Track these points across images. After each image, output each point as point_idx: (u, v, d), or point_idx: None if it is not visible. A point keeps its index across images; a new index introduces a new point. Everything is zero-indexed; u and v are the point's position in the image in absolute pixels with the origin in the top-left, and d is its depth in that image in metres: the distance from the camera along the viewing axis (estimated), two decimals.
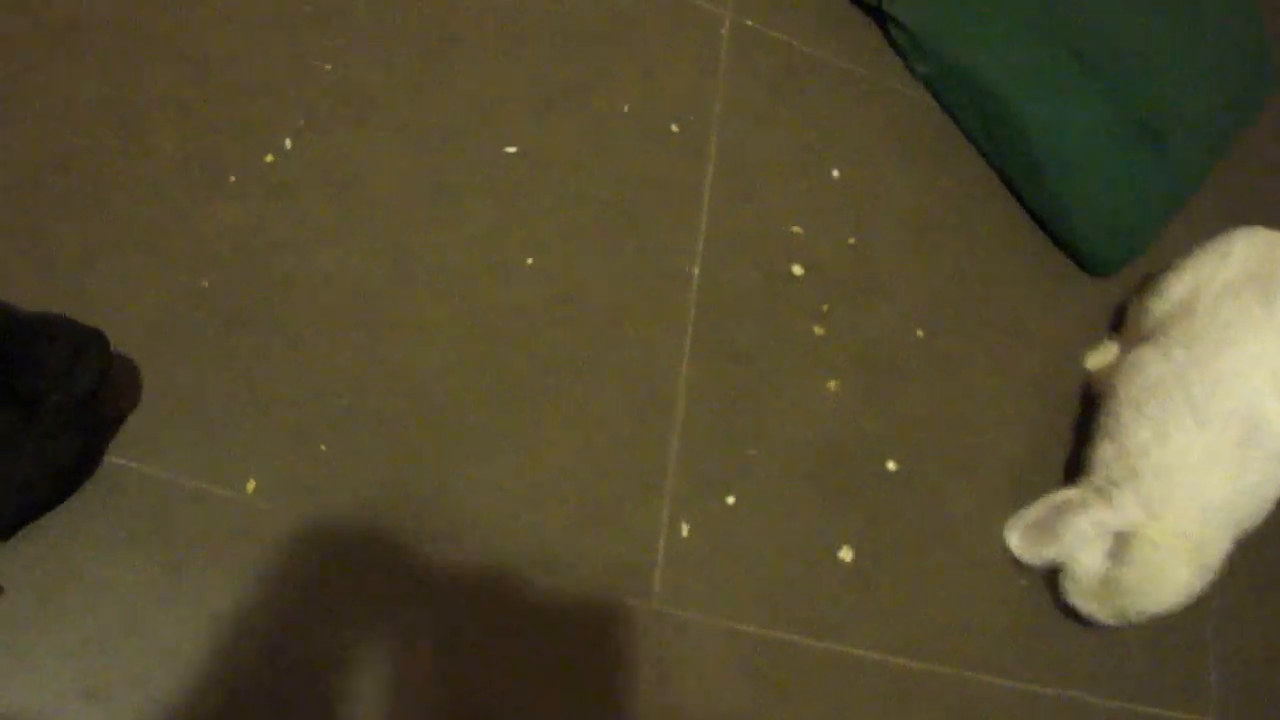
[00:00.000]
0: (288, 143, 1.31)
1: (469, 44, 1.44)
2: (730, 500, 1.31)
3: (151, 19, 1.32)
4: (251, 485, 1.14)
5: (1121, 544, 1.31)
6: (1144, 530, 1.30)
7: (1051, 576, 1.41)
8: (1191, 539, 1.31)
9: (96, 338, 1.06)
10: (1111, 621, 1.36)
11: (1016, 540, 1.39)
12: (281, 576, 1.12)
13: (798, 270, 1.44)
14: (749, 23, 1.59)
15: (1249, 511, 1.35)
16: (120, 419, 1.13)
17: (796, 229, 1.47)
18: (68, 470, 1.07)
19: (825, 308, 1.43)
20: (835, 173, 1.52)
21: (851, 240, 1.49)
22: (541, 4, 1.50)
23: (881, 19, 1.64)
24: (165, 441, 1.14)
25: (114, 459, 1.11)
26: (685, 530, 1.28)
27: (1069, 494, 1.37)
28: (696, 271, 1.40)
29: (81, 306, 1.15)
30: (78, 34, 1.28)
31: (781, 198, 1.49)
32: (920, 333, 1.47)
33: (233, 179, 1.28)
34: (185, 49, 1.32)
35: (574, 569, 1.22)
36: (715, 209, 1.44)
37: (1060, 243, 1.62)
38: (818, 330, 1.42)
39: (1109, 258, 1.60)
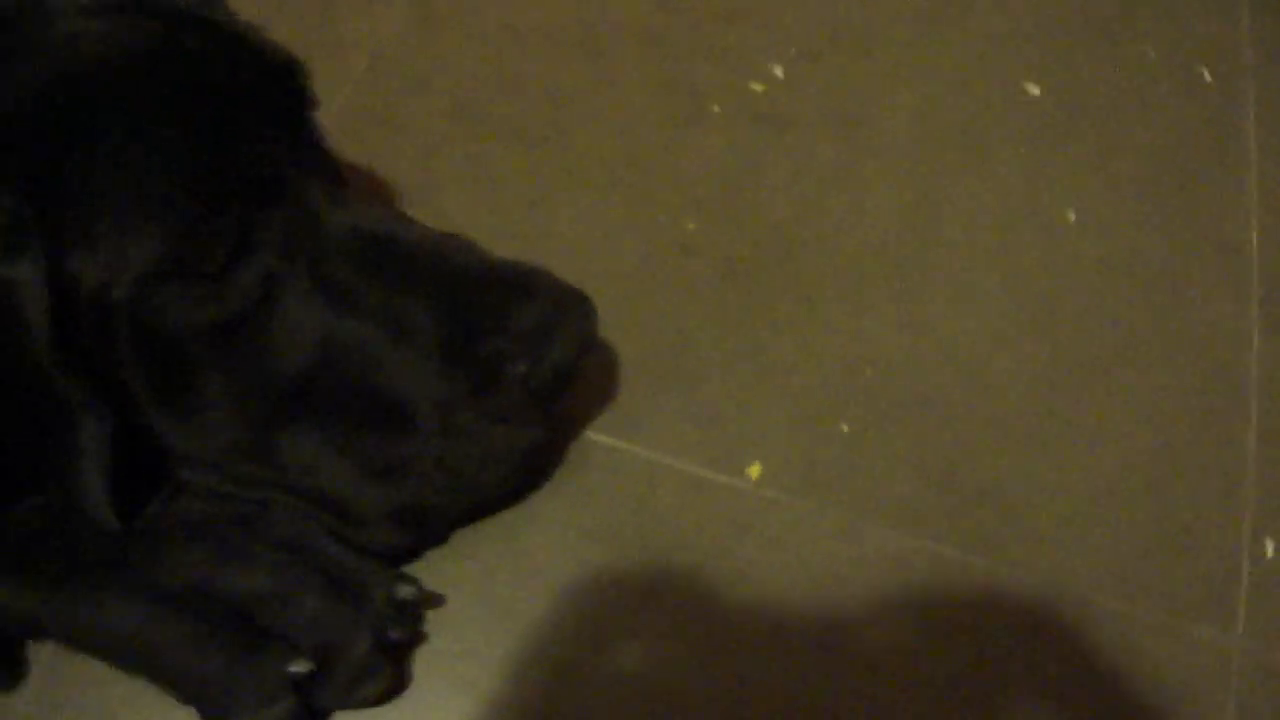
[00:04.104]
0: (778, 71, 1.13)
1: None
2: None
3: None
4: (755, 470, 0.95)
5: None
6: None
7: None
8: None
9: (580, 302, 0.80)
10: None
11: None
12: (783, 581, 0.91)
13: None
14: None
15: None
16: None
17: None
18: (519, 467, 0.83)
19: None
20: None
21: None
22: None
23: None
24: (650, 415, 0.96)
25: (586, 433, 0.93)
26: (1270, 549, 1.03)
27: None
28: (1255, 238, 1.16)
29: (539, 252, 0.98)
30: None
31: None
32: None
33: (716, 109, 1.11)
34: None
35: (1143, 593, 0.98)
36: (1265, 168, 1.21)
37: None
38: None
39: None
